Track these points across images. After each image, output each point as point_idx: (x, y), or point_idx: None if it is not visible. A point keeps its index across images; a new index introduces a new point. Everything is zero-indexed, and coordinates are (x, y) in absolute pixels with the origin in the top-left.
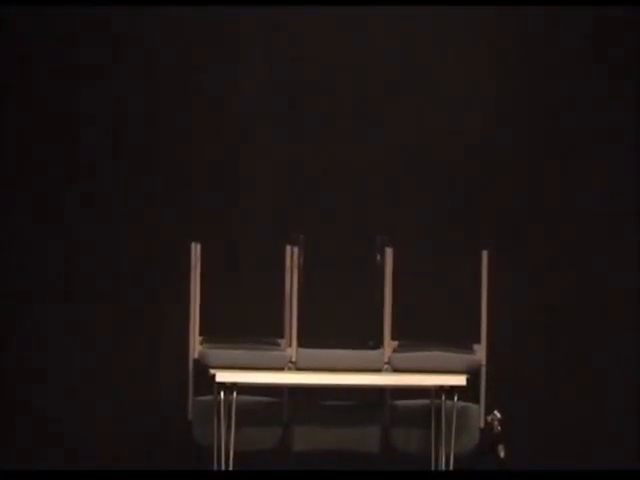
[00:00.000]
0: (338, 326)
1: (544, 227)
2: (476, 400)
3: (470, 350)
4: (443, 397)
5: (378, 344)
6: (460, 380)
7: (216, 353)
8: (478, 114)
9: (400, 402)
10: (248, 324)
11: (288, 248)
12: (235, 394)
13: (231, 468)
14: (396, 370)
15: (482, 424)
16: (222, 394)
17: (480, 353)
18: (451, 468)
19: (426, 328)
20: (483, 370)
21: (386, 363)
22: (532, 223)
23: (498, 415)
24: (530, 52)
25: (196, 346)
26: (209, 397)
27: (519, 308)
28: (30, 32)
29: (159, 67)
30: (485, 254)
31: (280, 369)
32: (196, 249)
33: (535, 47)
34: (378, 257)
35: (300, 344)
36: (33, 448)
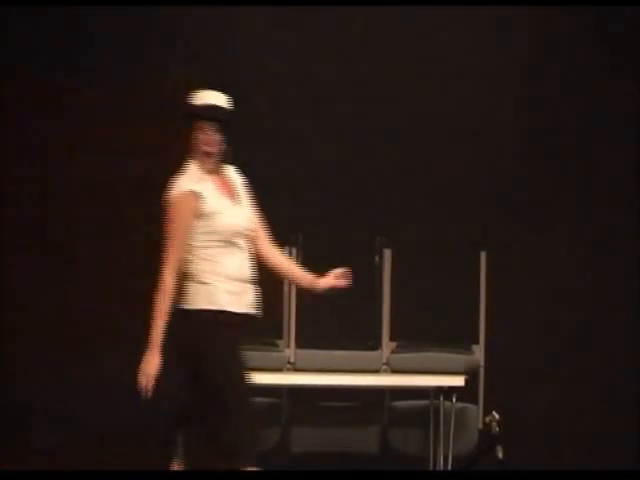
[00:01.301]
0: (336, 327)
1: (543, 228)
2: (474, 401)
3: (469, 351)
4: (441, 398)
5: (376, 345)
6: (458, 381)
7: None
8: (477, 115)
9: (399, 403)
10: None
11: (287, 249)
12: None
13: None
14: (394, 371)
15: (480, 425)
16: None
17: (478, 354)
18: (450, 469)
19: (424, 329)
20: (481, 371)
21: (384, 364)
22: (531, 223)
23: (496, 416)
24: (529, 52)
25: None
26: None
27: (518, 309)
28: (30, 32)
29: (159, 66)
30: (484, 255)
31: (279, 370)
32: None
33: (534, 47)
34: (377, 258)
35: (298, 345)
36: (33, 448)
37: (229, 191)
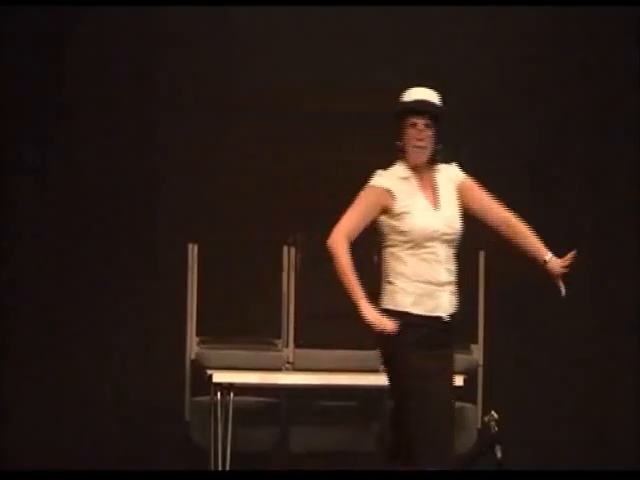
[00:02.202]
0: (335, 326)
1: (542, 227)
2: (473, 401)
3: (467, 350)
4: None
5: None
6: (457, 381)
7: (213, 354)
8: (476, 114)
9: None
10: (245, 325)
11: (285, 248)
12: (232, 395)
13: (228, 469)
14: None
15: (479, 425)
16: (219, 395)
17: (477, 353)
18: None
19: None
20: (480, 371)
21: None
22: (530, 223)
23: (495, 416)
24: (528, 51)
25: (193, 347)
26: (206, 398)
27: (516, 309)
28: (30, 32)
29: (158, 67)
30: (482, 254)
31: (277, 370)
32: (193, 249)
33: (533, 47)
34: (375, 258)
35: (297, 344)
36: (33, 448)
37: (432, 192)
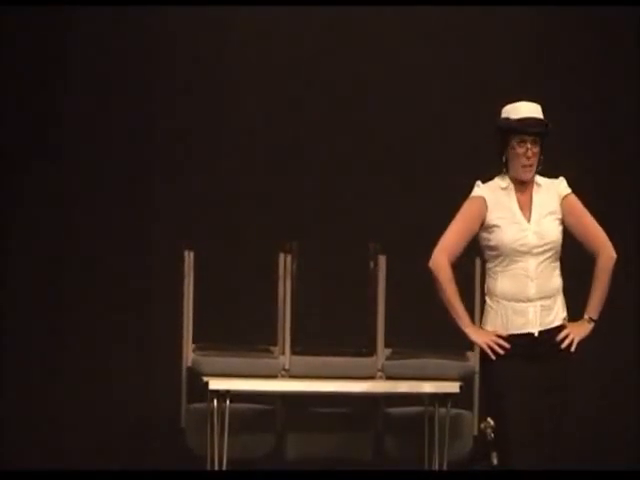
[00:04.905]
0: (331, 333)
1: None
2: (469, 407)
3: (463, 357)
4: (436, 404)
5: (371, 351)
6: (453, 387)
7: (209, 361)
8: (475, 116)
9: (393, 409)
10: (241, 331)
11: (281, 256)
12: (228, 402)
13: None
14: (389, 377)
15: (475, 431)
16: (215, 402)
17: (473, 360)
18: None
19: (419, 335)
20: (476, 377)
21: (379, 370)
22: None
23: (491, 422)
24: (527, 51)
25: (189, 353)
26: (202, 404)
27: None
28: (30, 32)
29: (157, 70)
30: (478, 261)
31: (273, 377)
32: (189, 256)
33: (532, 47)
34: (371, 264)
35: (293, 351)
36: (33, 448)
37: (528, 205)
